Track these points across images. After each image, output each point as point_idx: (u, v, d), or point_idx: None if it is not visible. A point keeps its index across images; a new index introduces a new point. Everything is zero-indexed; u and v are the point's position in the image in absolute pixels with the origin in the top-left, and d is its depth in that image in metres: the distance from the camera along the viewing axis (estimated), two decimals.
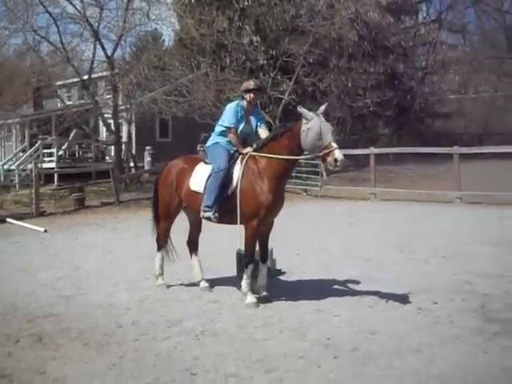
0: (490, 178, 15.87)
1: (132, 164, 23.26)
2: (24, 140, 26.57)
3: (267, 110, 22.45)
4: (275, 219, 6.24)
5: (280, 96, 23.16)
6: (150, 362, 4.45)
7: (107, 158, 24.62)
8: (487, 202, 13.95)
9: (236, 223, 5.96)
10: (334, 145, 5.49)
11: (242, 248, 6.19)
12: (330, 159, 5.49)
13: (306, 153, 5.81)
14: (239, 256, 6.56)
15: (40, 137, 24.43)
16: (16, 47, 25.12)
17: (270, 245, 6.52)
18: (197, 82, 21.16)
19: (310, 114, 5.64)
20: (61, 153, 23.88)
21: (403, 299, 5.86)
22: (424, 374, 4.05)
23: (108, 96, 22.97)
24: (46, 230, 12.29)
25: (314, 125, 5.55)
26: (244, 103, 6.28)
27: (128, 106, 22.00)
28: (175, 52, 24.30)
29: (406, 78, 30.44)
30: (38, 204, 15.43)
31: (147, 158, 23.47)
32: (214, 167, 6.07)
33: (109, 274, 7.70)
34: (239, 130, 6.20)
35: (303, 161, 6.01)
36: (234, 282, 6.48)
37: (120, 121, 22.30)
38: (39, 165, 19.33)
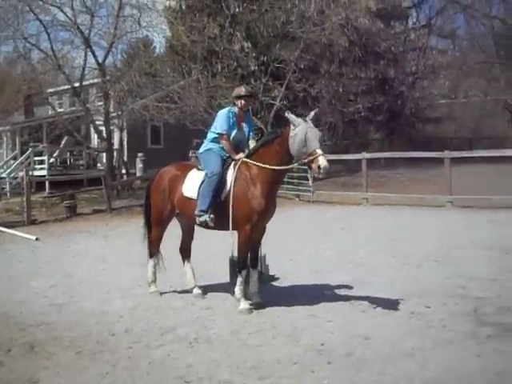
0: (480, 182, 15.96)
1: (124, 171, 23.21)
2: (15, 148, 26.44)
3: (259, 116, 22.52)
4: (267, 225, 6.24)
5: (271, 102, 23.22)
6: (144, 369, 4.43)
7: (99, 165, 24.55)
8: (478, 205, 14.03)
9: (228, 229, 5.96)
10: (319, 151, 5.44)
11: (235, 254, 6.19)
12: (314, 166, 5.45)
13: (293, 160, 5.77)
14: (232, 262, 6.55)
15: (31, 144, 24.36)
16: (6, 55, 25.10)
17: (263, 250, 6.52)
18: (188, 88, 21.17)
19: (298, 119, 5.63)
20: (52, 160, 23.77)
21: (396, 304, 5.87)
22: (417, 379, 4.05)
23: (99, 103, 22.92)
24: (37, 238, 12.22)
25: (299, 131, 5.54)
26: (236, 109, 6.29)
27: (119, 113, 21.97)
28: (166, 59, 24.36)
29: (397, 83, 30.62)
30: (29, 212, 15.34)
31: (139, 165, 23.42)
32: (208, 172, 6.07)
33: (101, 281, 7.66)
34: (231, 137, 6.21)
35: (300, 166, 5.94)
36: (227, 288, 6.47)
37: (111, 128, 22.28)
38: (30, 172, 19.22)
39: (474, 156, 17.97)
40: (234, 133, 6.22)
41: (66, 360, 4.70)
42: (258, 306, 5.98)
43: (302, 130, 5.53)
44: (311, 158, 5.47)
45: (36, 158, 23.49)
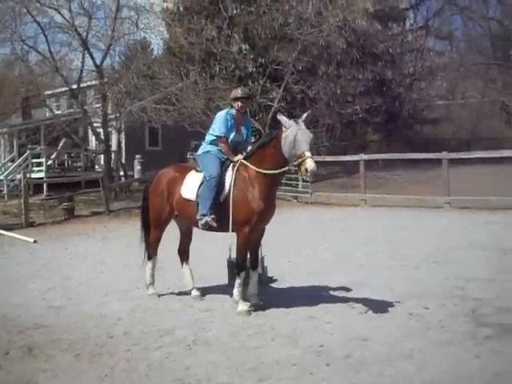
0: (478, 183, 15.98)
1: (122, 173, 23.20)
2: (12, 150, 26.44)
3: (257, 118, 22.53)
4: (266, 226, 6.24)
5: (269, 103, 23.23)
6: (142, 372, 4.42)
7: (97, 167, 24.53)
8: (476, 206, 14.04)
9: (228, 231, 5.96)
10: (308, 153, 5.40)
11: (233, 256, 6.18)
12: (302, 168, 5.41)
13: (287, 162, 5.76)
14: (230, 264, 6.55)
15: (29, 146, 24.31)
16: (4, 57, 24.99)
17: (262, 252, 6.51)
18: (186, 90, 21.17)
19: (289, 121, 5.63)
20: (50, 162, 23.74)
21: (394, 305, 5.87)
22: (416, 380, 4.05)
23: (97, 105, 22.93)
24: (35, 241, 12.20)
25: (290, 133, 5.53)
26: (233, 111, 6.29)
27: (117, 115, 21.98)
28: (164, 61, 24.34)
29: (395, 85, 30.67)
30: (27, 214, 15.32)
31: (137, 167, 23.42)
32: (206, 175, 6.07)
33: (99, 284, 7.65)
34: (230, 139, 6.21)
35: (293, 167, 5.91)
36: (226, 290, 6.47)
37: (109, 130, 22.25)
38: (28, 175, 19.21)
39: (472, 157, 17.99)
40: (232, 135, 6.22)
41: (65, 363, 4.69)
42: (256, 307, 5.97)
43: (292, 132, 5.52)
44: (300, 160, 5.44)
45: (34, 161, 23.46)
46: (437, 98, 34.59)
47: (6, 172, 23.14)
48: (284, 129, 5.62)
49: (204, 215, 6.00)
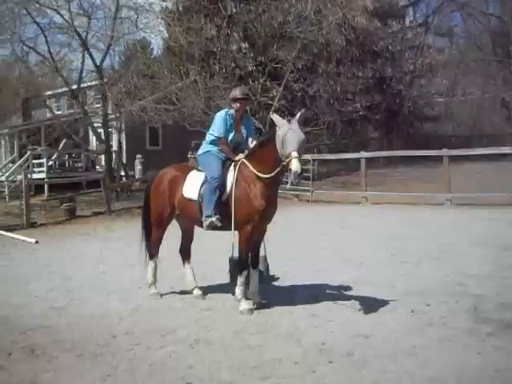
0: (479, 180, 15.99)
1: (123, 173, 23.18)
2: (13, 151, 26.43)
3: (257, 116, 22.51)
4: (268, 225, 6.24)
5: (270, 102, 23.22)
6: (145, 371, 4.43)
7: (97, 167, 24.51)
8: (477, 203, 14.04)
9: (230, 229, 5.96)
10: (294, 154, 5.34)
11: (235, 254, 6.18)
12: (289, 169, 5.40)
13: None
14: (232, 262, 6.55)
15: (29, 147, 24.29)
16: (4, 58, 25.01)
17: (263, 250, 6.51)
18: (186, 89, 21.16)
19: (282, 121, 5.61)
20: (51, 163, 23.72)
21: (396, 302, 5.88)
22: (419, 377, 4.06)
23: (97, 105, 22.91)
24: (37, 241, 12.21)
25: (281, 132, 5.51)
26: (232, 111, 6.29)
27: (118, 115, 21.96)
28: (164, 60, 24.30)
29: (395, 82, 30.68)
30: (28, 215, 15.32)
31: (138, 167, 23.42)
32: (208, 176, 6.07)
33: (101, 284, 7.65)
34: (229, 139, 6.21)
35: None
36: (228, 289, 6.47)
37: (110, 130, 22.25)
38: (29, 175, 19.20)
39: (473, 154, 18.01)
40: (231, 135, 6.22)
41: (67, 363, 4.69)
42: (258, 306, 5.98)
43: (283, 132, 5.50)
44: (287, 160, 5.42)
45: (35, 161, 23.45)
46: (437, 95, 34.61)
47: (7, 173, 23.14)
48: (277, 128, 5.62)
49: (209, 216, 5.99)
